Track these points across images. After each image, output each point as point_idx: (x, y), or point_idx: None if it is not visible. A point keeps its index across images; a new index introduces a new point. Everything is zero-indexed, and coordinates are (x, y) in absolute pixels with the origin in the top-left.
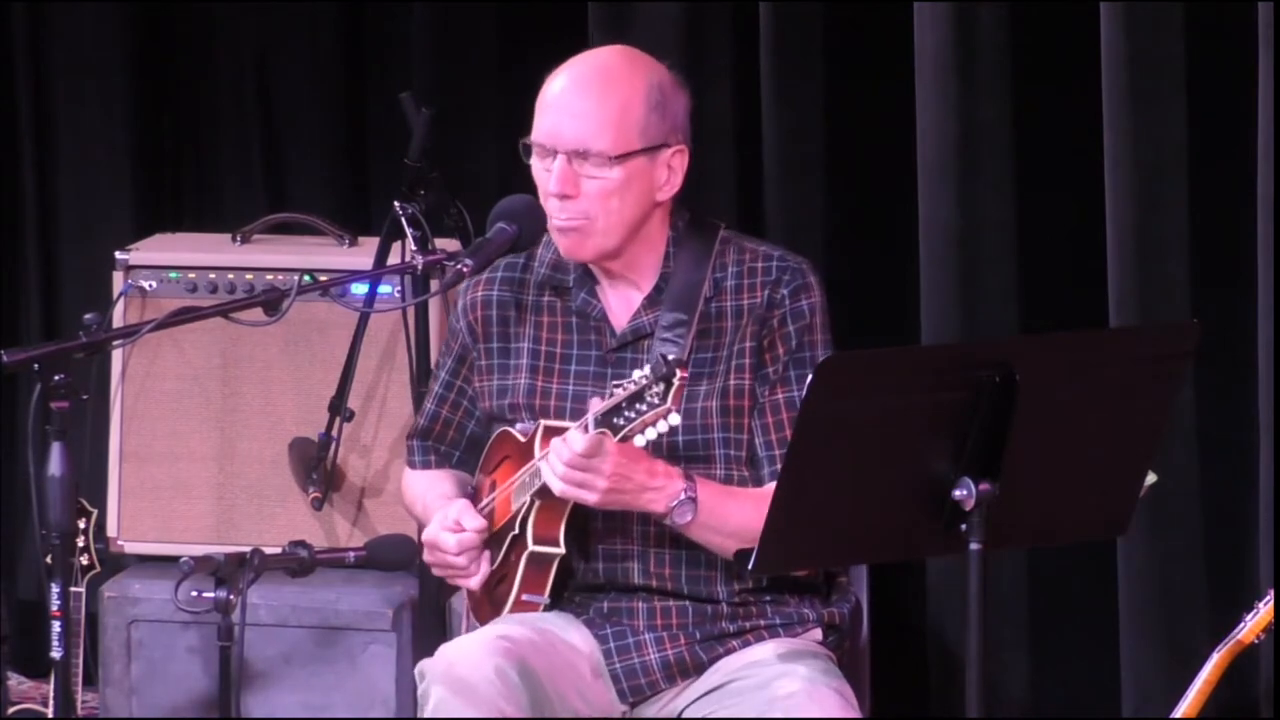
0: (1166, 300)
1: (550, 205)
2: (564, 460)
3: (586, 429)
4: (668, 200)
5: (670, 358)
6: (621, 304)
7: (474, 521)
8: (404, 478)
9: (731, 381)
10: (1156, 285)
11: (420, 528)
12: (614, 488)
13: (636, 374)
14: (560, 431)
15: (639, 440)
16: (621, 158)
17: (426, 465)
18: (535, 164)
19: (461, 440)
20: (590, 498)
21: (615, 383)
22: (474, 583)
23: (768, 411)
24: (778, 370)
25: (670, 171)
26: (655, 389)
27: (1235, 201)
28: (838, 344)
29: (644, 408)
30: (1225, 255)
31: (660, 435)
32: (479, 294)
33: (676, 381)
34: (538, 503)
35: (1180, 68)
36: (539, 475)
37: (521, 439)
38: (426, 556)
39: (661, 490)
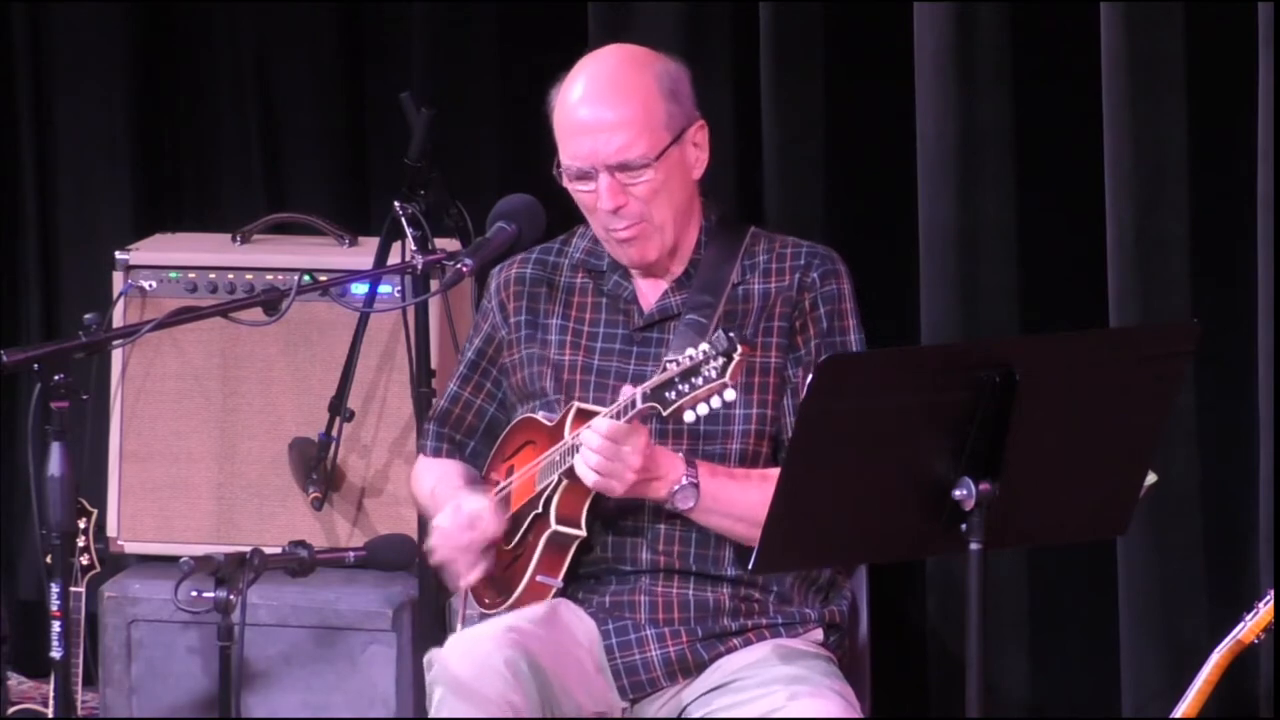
0: (1166, 300)
1: (605, 220)
2: (593, 447)
3: (634, 403)
4: (702, 178)
5: (732, 333)
6: (652, 287)
7: (489, 526)
8: (416, 464)
9: (757, 358)
10: (1156, 285)
11: (422, 518)
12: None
13: (691, 350)
14: (593, 415)
15: (689, 415)
16: (659, 155)
17: (438, 453)
18: (575, 186)
19: (479, 426)
20: (618, 488)
21: (669, 357)
22: (462, 583)
23: (801, 393)
24: (809, 352)
25: (697, 148)
26: (714, 363)
27: (1235, 201)
28: None
29: (699, 381)
30: (1225, 254)
31: (712, 410)
32: (512, 272)
33: (737, 356)
34: (565, 482)
35: (1180, 68)
36: (570, 453)
37: (548, 424)
38: (433, 540)
39: (663, 478)
